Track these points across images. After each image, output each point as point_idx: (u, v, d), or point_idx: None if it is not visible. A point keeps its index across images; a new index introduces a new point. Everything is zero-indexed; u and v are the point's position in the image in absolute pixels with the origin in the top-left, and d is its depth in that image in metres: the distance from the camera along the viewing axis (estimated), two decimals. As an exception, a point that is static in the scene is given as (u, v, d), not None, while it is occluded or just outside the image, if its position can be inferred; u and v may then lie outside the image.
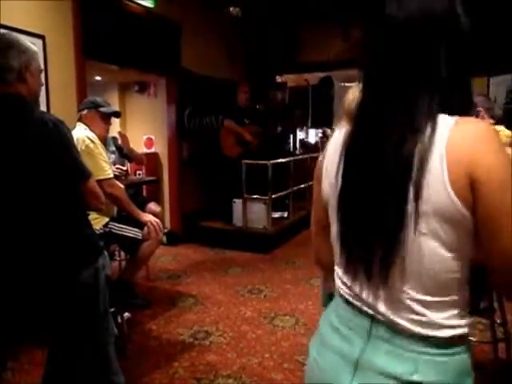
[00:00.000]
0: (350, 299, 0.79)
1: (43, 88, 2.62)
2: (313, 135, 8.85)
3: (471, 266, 0.71)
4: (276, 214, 5.09)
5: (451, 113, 0.70)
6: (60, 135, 1.39)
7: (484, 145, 0.66)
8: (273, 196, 4.71)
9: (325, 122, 5.82)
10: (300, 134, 7.57)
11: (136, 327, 2.84)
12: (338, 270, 0.83)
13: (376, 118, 0.73)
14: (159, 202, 4.71)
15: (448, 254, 0.68)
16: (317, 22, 5.37)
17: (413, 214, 0.67)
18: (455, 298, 0.70)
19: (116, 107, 5.62)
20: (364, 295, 0.75)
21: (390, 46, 0.72)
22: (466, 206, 0.65)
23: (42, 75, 1.56)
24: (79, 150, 2.25)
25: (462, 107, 0.72)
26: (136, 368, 2.33)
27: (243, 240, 4.72)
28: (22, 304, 1.41)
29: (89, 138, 2.45)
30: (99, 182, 2.34)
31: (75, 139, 2.31)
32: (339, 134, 0.82)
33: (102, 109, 2.72)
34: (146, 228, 2.65)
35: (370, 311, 0.75)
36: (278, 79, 6.33)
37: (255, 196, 4.73)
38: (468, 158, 0.65)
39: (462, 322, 0.71)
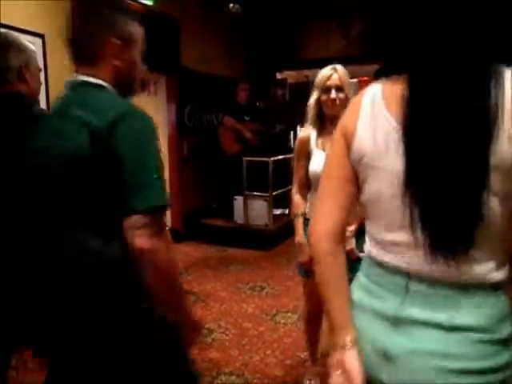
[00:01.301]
0: (384, 258, 0.81)
1: (43, 87, 2.62)
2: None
3: None
4: (277, 211, 5.09)
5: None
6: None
7: None
8: (273, 193, 4.71)
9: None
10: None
11: (138, 325, 2.85)
12: (375, 232, 0.83)
13: (442, 77, 0.71)
14: (160, 199, 4.71)
15: (503, 206, 0.70)
16: (316, 19, 5.35)
17: (484, 173, 0.68)
18: (506, 247, 0.74)
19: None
20: (408, 255, 0.77)
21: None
22: None
23: (42, 74, 1.56)
24: None
25: None
26: (139, 365, 2.34)
27: (244, 237, 4.73)
28: (26, 304, 1.41)
29: None
30: None
31: None
32: (376, 94, 0.81)
33: None
34: None
35: (409, 270, 0.77)
36: (278, 76, 6.31)
37: (256, 193, 4.73)
38: None
39: (505, 268, 0.75)
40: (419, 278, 0.76)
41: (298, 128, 6.97)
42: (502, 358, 0.73)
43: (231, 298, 3.32)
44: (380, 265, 0.82)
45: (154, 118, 4.39)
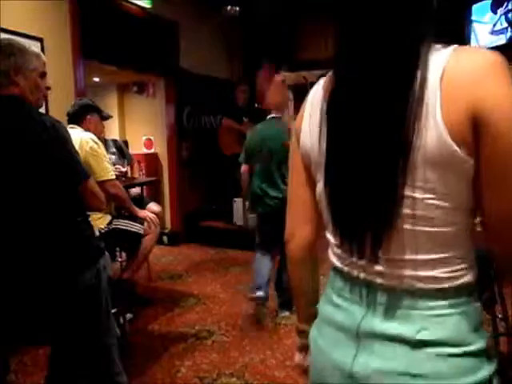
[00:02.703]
0: (344, 268, 0.73)
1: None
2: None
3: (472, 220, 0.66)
4: (276, 213, 5.08)
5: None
6: (58, 136, 1.39)
7: (492, 76, 0.56)
8: (273, 194, 4.70)
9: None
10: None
11: (138, 327, 2.84)
12: (329, 237, 0.76)
13: (359, 59, 0.64)
14: (159, 202, 4.72)
15: (444, 205, 0.61)
16: (314, 20, 5.36)
17: (404, 167, 0.59)
18: (458, 251, 0.64)
19: (115, 108, 5.65)
20: (358, 262, 0.70)
21: None
22: (464, 150, 0.57)
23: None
24: (85, 151, 2.32)
25: (456, 40, 0.63)
26: (139, 368, 2.33)
27: (244, 239, 4.71)
28: (24, 306, 1.41)
29: (93, 140, 2.48)
30: (103, 182, 2.39)
31: (78, 141, 2.35)
32: (318, 88, 0.76)
33: (102, 113, 2.89)
34: (145, 223, 2.77)
35: (366, 277, 0.69)
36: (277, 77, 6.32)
37: (255, 195, 4.72)
38: (471, 92, 0.56)
39: (468, 273, 0.66)
40: (376, 285, 0.68)
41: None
42: (481, 374, 0.63)
43: (231, 299, 3.31)
44: (340, 273, 0.74)
45: (153, 121, 4.49)
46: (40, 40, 3.10)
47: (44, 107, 3.05)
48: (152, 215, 2.81)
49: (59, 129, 1.40)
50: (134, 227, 2.73)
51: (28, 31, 2.99)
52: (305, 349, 0.89)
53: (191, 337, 2.71)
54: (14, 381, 2.15)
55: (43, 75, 1.49)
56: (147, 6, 4.23)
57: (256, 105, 5.55)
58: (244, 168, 3.18)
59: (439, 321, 0.64)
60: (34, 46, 1.53)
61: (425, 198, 0.61)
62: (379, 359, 0.66)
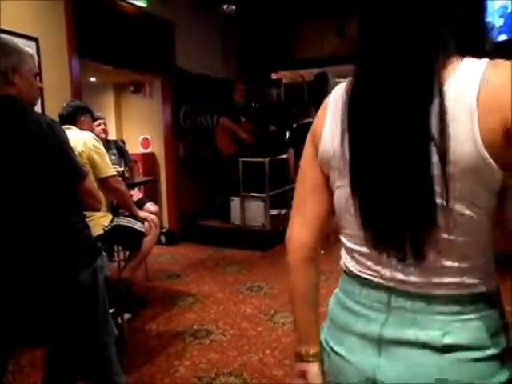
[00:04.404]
0: (360, 273, 0.73)
1: (37, 90, 2.61)
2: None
3: None
4: (274, 211, 5.09)
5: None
6: (55, 136, 1.39)
7: None
8: (270, 193, 4.71)
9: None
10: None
11: (136, 327, 2.84)
12: (348, 244, 0.75)
13: (384, 65, 0.63)
14: (157, 202, 4.71)
15: (478, 216, 0.62)
16: (311, 19, 5.36)
17: (440, 178, 0.60)
18: (481, 259, 0.66)
19: (111, 108, 5.64)
20: (381, 267, 0.69)
21: None
22: (497, 162, 0.59)
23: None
24: (89, 149, 2.37)
25: (479, 50, 0.64)
26: (137, 368, 2.33)
27: (241, 238, 4.72)
28: (21, 306, 1.41)
29: (94, 138, 2.50)
30: (108, 178, 2.44)
31: (82, 140, 2.38)
32: (339, 91, 0.75)
33: (93, 115, 2.99)
34: (146, 223, 2.77)
35: (388, 283, 0.69)
36: (273, 76, 6.31)
37: (253, 194, 4.73)
38: (509, 107, 0.57)
39: (489, 280, 0.67)
40: (398, 291, 0.68)
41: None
42: (500, 377, 0.65)
43: (229, 298, 3.31)
44: (357, 278, 0.74)
45: (150, 120, 4.51)
46: (35, 40, 3.08)
47: (40, 107, 3.04)
48: (153, 216, 2.83)
49: (55, 128, 1.40)
50: (136, 225, 2.75)
51: (23, 31, 2.98)
52: (303, 376, 0.82)
53: (189, 336, 2.71)
54: (10, 382, 2.14)
55: (36, 75, 1.49)
56: (143, 5, 4.22)
57: (253, 104, 5.56)
58: (291, 153, 4.42)
59: (461, 326, 0.65)
60: (29, 46, 1.53)
61: (456, 208, 0.62)
62: (404, 365, 0.67)
